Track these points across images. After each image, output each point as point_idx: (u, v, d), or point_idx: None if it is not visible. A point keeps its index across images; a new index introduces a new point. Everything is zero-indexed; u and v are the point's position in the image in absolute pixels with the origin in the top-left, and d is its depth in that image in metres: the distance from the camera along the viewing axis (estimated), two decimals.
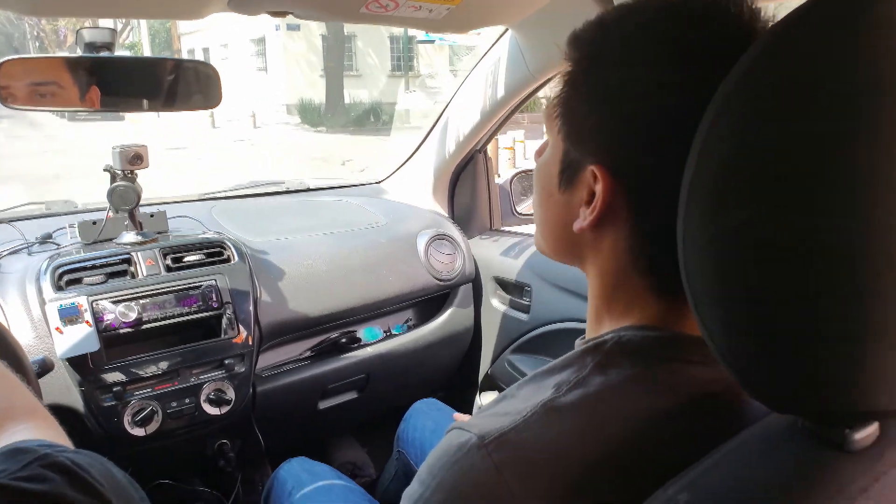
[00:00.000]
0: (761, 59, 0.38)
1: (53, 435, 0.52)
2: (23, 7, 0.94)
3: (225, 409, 1.30)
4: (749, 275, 0.38)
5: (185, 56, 24.23)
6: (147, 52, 19.89)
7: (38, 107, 1.21)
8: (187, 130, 15.27)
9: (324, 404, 1.59)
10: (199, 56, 23.69)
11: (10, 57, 1.08)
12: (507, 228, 1.94)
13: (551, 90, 0.61)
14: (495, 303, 1.78)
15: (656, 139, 0.48)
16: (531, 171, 1.96)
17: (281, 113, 19.76)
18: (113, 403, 1.19)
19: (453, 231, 1.77)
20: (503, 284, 1.77)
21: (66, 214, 1.52)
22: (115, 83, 1.22)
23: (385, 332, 1.66)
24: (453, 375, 1.87)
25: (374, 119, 19.23)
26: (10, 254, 1.31)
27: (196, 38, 24.14)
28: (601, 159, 0.51)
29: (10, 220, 1.42)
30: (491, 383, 1.81)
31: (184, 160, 11.20)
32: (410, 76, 21.52)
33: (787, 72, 0.37)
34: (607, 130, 0.51)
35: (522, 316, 1.68)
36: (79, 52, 1.18)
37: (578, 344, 0.56)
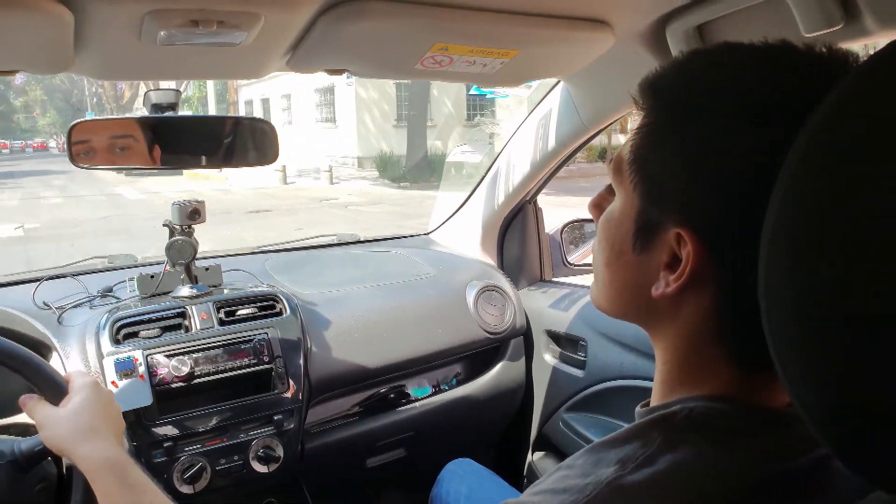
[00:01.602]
0: (847, 98, 0.35)
1: None
2: (94, 72, 0.97)
3: (273, 467, 1.28)
4: (842, 339, 0.34)
5: (242, 108, 24.23)
6: (211, 104, 19.34)
7: (106, 165, 1.25)
8: (258, 187, 14.37)
9: (372, 462, 1.55)
10: (258, 107, 23.44)
11: (80, 119, 1.13)
12: (558, 279, 1.89)
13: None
14: (548, 357, 1.73)
15: (755, 203, 0.42)
16: (583, 220, 1.94)
17: (350, 167, 18.34)
18: (163, 460, 1.18)
19: (503, 282, 1.74)
20: (556, 338, 1.72)
21: (126, 268, 1.55)
22: (178, 141, 1.26)
23: (434, 387, 1.63)
24: (504, 433, 1.81)
25: (455, 172, 17.94)
26: (73, 307, 1.34)
27: (254, 89, 23.54)
28: (689, 222, 0.47)
29: (75, 275, 1.46)
30: (544, 443, 1.74)
31: (285, 230, 8.74)
32: (485, 126, 19.93)
33: (876, 111, 0.34)
34: (699, 193, 0.47)
35: (577, 372, 1.62)
36: (144, 112, 1.23)
37: (640, 412, 0.52)
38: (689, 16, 1.05)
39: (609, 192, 0.57)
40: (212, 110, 16.10)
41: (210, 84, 19.76)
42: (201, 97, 25.15)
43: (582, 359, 1.60)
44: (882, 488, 0.38)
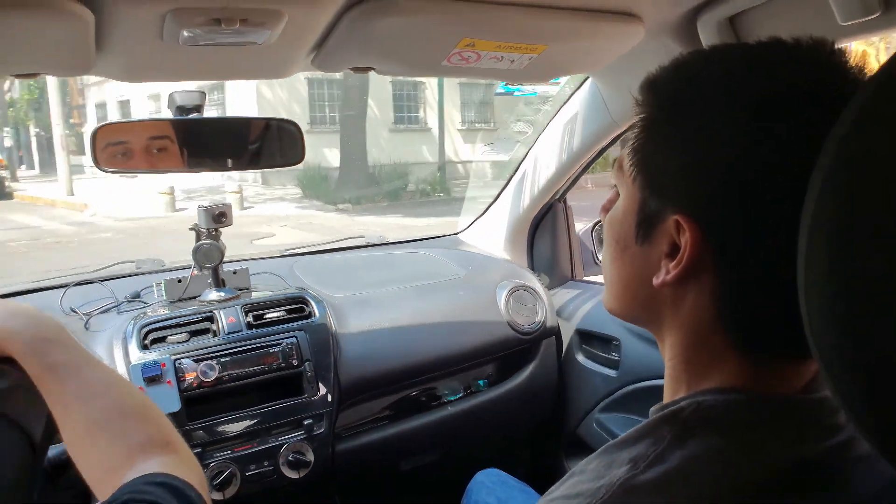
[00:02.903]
0: (882, 92, 0.34)
1: (184, 470, 0.55)
2: (117, 74, 0.97)
3: (304, 473, 1.26)
4: (886, 331, 0.33)
5: (91, 111, 20.95)
6: (55, 108, 14.23)
7: (134, 169, 1.25)
8: (136, 216, 10.16)
9: (405, 465, 1.53)
10: (113, 110, 19.44)
11: (104, 122, 1.13)
12: (589, 279, 1.86)
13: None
14: (580, 358, 1.69)
15: (747, 187, 0.45)
16: None
17: (252, 183, 14.52)
18: None
19: (534, 282, 1.71)
20: (588, 338, 1.69)
21: (154, 273, 1.55)
22: (205, 143, 1.26)
23: (465, 388, 1.60)
24: (537, 434, 1.78)
25: (401, 186, 13.21)
26: (100, 313, 1.34)
27: (108, 90, 19.47)
28: (685, 208, 0.48)
29: (102, 280, 1.47)
30: (578, 444, 1.70)
31: None
32: (418, 130, 16.94)
33: None
34: (692, 178, 0.48)
35: (610, 372, 1.58)
36: (168, 115, 1.22)
37: (653, 411, 0.52)
38: (720, 7, 1.02)
39: (616, 194, 0.58)
40: (54, 115, 13.56)
41: (51, 85, 14.75)
42: (32, 99, 20.24)
43: (615, 359, 1.57)
44: None
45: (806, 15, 0.94)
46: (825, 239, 0.36)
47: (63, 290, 1.38)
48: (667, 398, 0.53)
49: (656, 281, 0.50)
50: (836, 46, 0.47)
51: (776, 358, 0.48)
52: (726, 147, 0.46)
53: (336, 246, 1.89)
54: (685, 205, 0.48)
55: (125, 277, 1.53)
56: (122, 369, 1.19)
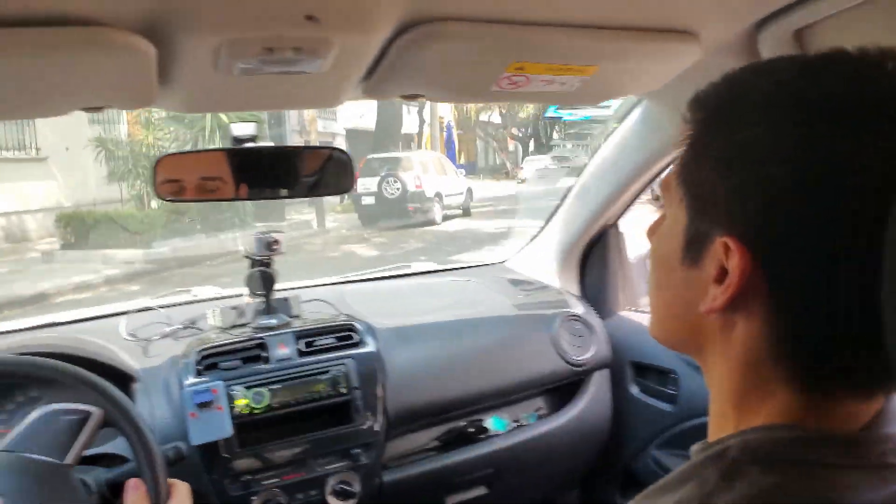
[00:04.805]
0: None
1: None
2: (177, 105, 1.00)
3: (350, 503, 1.25)
4: None
5: None
6: None
7: (195, 198, 1.29)
8: None
9: (451, 500, 1.50)
10: None
11: (166, 153, 1.17)
12: (644, 309, 1.80)
13: None
14: (635, 391, 1.63)
15: (799, 207, 0.42)
16: None
17: None
18: (241, 493, 1.18)
19: (585, 311, 1.67)
20: (643, 370, 1.63)
21: (210, 300, 1.58)
22: (261, 173, 1.28)
23: (514, 421, 1.56)
24: (591, 470, 1.72)
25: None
26: (158, 339, 1.37)
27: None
28: (734, 229, 0.45)
29: (161, 307, 1.51)
30: (634, 482, 1.63)
31: None
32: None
33: None
34: (740, 198, 0.45)
35: (667, 406, 1.52)
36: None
37: (695, 450, 0.48)
38: (783, 21, 0.98)
39: (664, 216, 0.56)
40: None
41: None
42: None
43: (672, 392, 1.51)
44: None
45: (880, 27, 0.89)
46: None
47: (125, 316, 1.42)
48: (712, 436, 0.50)
49: (703, 307, 0.47)
50: None
51: (834, 392, 0.44)
52: (775, 164, 0.43)
53: (385, 274, 1.89)
54: (733, 226, 0.45)
55: (182, 305, 1.57)
56: (175, 393, 1.21)
